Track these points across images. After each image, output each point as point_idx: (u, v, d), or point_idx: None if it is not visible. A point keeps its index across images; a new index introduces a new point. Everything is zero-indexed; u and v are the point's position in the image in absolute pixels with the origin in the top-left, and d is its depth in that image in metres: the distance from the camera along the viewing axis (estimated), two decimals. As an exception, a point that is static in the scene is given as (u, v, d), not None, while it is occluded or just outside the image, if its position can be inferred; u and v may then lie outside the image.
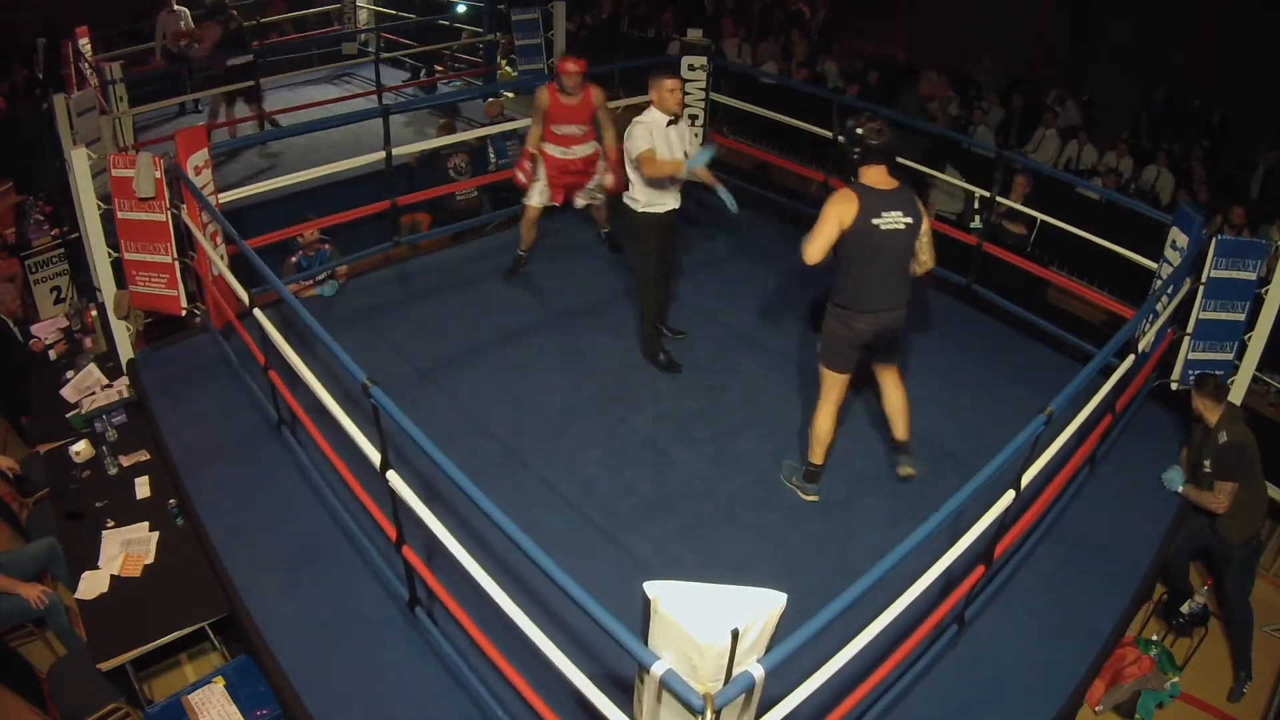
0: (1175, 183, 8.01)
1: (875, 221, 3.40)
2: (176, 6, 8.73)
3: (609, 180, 5.21)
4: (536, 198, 5.33)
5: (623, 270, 5.85)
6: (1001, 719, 3.10)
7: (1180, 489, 3.96)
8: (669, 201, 4.50)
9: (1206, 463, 3.84)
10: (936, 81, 8.18)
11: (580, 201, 5.51)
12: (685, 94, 6.56)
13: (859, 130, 3.42)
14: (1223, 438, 3.78)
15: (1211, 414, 3.85)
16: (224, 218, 4.29)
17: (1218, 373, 4.52)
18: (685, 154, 4.41)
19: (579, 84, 5.00)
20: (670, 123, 4.33)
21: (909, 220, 3.47)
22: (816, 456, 3.88)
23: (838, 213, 3.39)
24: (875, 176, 3.45)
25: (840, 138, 3.40)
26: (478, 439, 4.25)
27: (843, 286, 3.56)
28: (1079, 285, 5.11)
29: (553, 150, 5.17)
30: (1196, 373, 4.46)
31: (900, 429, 3.95)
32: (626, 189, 4.52)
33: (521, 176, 5.26)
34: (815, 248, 3.45)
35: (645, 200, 4.44)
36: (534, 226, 5.50)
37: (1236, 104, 9.29)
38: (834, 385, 3.75)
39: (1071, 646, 3.35)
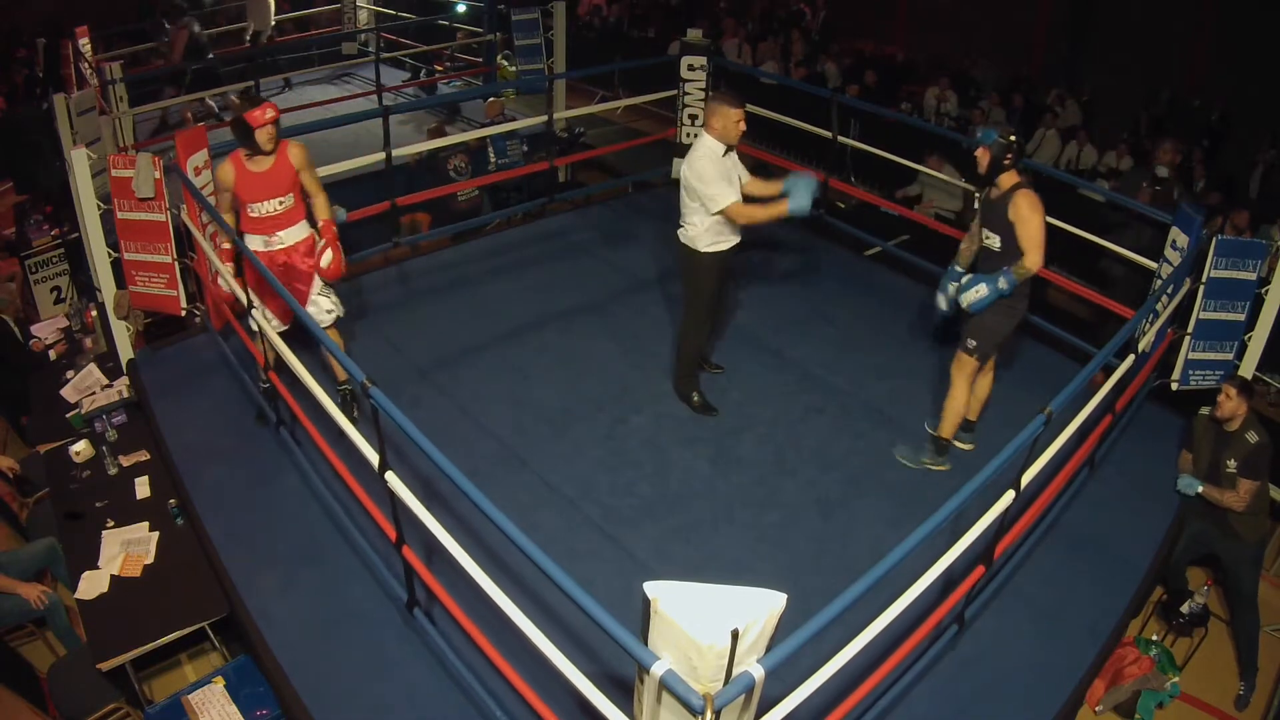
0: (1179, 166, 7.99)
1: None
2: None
3: (327, 259, 3.91)
4: (260, 320, 3.79)
5: (622, 270, 5.85)
6: (1001, 719, 3.10)
7: (1200, 489, 3.91)
8: (734, 237, 4.15)
9: (1231, 462, 3.82)
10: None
11: (320, 315, 4.03)
12: (689, 98, 6.59)
13: (1012, 137, 3.66)
14: (1253, 437, 3.80)
15: (1241, 410, 3.84)
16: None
17: (1219, 373, 4.53)
18: (739, 179, 4.11)
19: (274, 137, 3.80)
20: (727, 151, 4.00)
21: None
22: (948, 432, 4.09)
23: (1043, 213, 3.67)
24: (1019, 177, 3.73)
25: (984, 147, 3.64)
26: (478, 439, 4.25)
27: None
28: (1079, 285, 5.11)
29: (254, 243, 3.91)
30: (1216, 373, 4.45)
31: (977, 412, 4.31)
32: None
33: (225, 287, 4.02)
34: (1044, 252, 3.68)
35: (710, 239, 4.08)
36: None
37: (1236, 104, 9.29)
38: (977, 369, 3.98)
39: (1071, 646, 3.35)
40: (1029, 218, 3.61)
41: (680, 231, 4.19)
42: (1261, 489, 3.83)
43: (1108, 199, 6.09)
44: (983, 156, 3.67)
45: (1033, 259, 3.64)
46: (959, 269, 4.03)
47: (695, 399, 4.52)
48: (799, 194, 3.92)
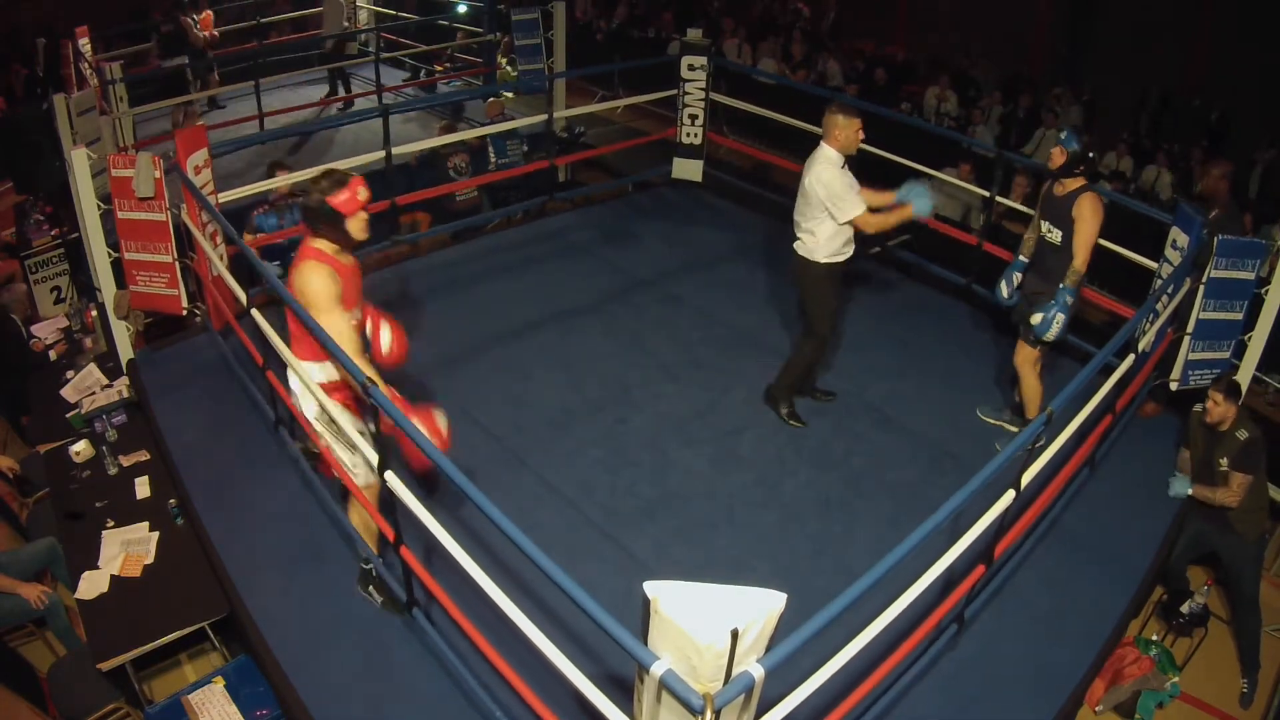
0: (1175, 183, 8.01)
1: None
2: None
3: (387, 340, 3.24)
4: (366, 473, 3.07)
5: (622, 270, 5.85)
6: (1001, 718, 3.10)
7: (1190, 491, 3.94)
8: (850, 249, 4.15)
9: (1223, 460, 3.83)
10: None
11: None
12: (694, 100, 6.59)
13: (1091, 154, 3.89)
14: (1243, 434, 3.81)
15: (1230, 413, 3.85)
16: (223, 218, 4.29)
17: (1218, 372, 4.52)
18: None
19: (368, 224, 2.96)
20: (845, 162, 4.00)
21: None
22: (1034, 413, 4.16)
23: (1103, 218, 3.85)
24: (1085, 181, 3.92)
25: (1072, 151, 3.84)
26: (478, 439, 4.24)
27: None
28: (1093, 291, 5.11)
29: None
30: (1214, 372, 4.45)
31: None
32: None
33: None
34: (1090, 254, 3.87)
35: (830, 251, 4.07)
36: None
37: (1236, 104, 9.29)
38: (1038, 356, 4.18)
39: (1071, 646, 3.35)
40: (1089, 220, 3.80)
41: (797, 244, 4.16)
42: (1256, 483, 3.83)
43: (1110, 200, 6.10)
44: (1058, 156, 3.85)
45: (1080, 259, 3.82)
46: (1023, 259, 4.22)
47: (784, 410, 4.46)
48: (920, 201, 4.04)
